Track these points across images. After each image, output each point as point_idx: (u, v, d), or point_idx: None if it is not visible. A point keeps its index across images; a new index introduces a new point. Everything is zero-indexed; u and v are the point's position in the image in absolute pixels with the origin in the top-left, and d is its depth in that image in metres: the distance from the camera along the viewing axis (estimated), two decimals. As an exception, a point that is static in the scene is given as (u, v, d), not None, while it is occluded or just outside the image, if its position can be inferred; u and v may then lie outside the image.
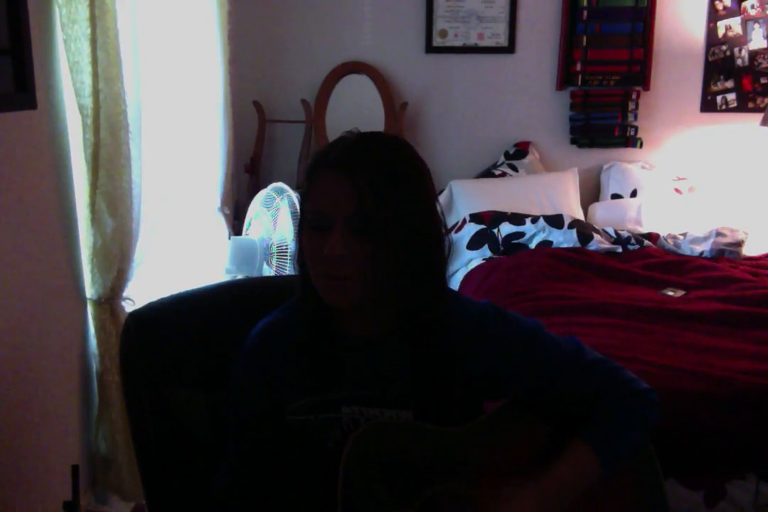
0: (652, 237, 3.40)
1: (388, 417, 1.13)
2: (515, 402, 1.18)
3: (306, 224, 1.08)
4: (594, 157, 3.83)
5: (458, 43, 3.72)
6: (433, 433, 1.10)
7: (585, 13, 3.62)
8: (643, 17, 3.61)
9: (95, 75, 1.84)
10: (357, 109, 3.69)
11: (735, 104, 3.75)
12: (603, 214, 3.59)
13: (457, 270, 3.29)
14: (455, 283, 3.15)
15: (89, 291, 2.05)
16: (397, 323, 1.11)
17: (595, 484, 1.13)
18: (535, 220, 3.34)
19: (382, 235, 1.02)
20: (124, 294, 2.11)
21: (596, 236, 3.27)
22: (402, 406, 1.13)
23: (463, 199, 3.57)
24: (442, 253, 1.10)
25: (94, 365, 2.10)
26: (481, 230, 3.35)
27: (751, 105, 3.74)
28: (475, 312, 1.14)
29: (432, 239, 1.08)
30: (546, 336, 1.16)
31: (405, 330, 1.11)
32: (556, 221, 3.32)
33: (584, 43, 3.65)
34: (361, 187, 1.01)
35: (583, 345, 1.18)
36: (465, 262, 3.30)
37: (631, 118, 3.71)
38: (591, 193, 3.83)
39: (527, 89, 3.79)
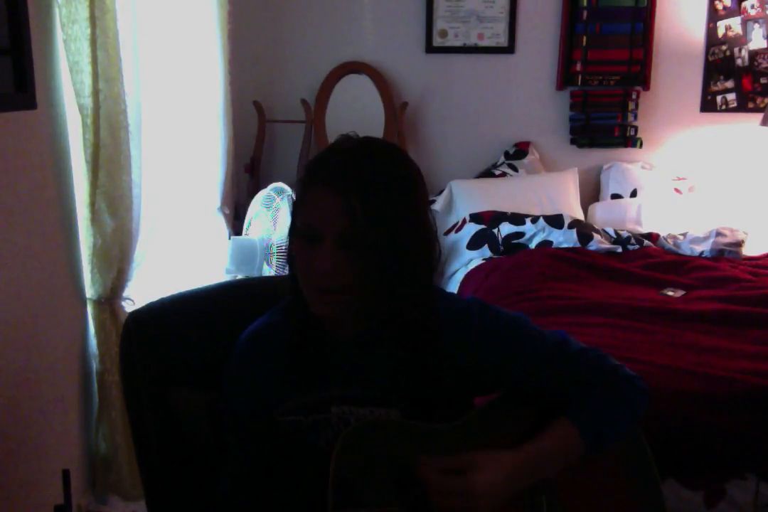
0: (652, 237, 3.40)
1: (377, 415, 1.14)
2: (505, 396, 1.19)
3: (297, 232, 1.08)
4: (594, 157, 3.83)
5: (458, 43, 3.72)
6: (423, 430, 1.11)
7: (585, 13, 3.62)
8: (643, 17, 3.61)
9: (95, 75, 1.85)
10: (357, 109, 3.69)
11: (735, 104, 3.74)
12: (603, 214, 3.59)
13: (457, 270, 3.30)
14: (455, 283, 3.15)
15: (89, 291, 2.05)
16: (384, 324, 1.12)
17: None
18: (535, 220, 3.34)
19: (373, 252, 1.03)
20: (124, 294, 2.11)
21: (596, 236, 3.27)
22: (391, 405, 1.13)
23: (463, 199, 3.57)
24: (430, 260, 1.10)
25: (94, 365, 2.10)
26: (481, 230, 3.35)
27: (751, 105, 3.73)
28: (460, 308, 1.15)
29: (421, 249, 1.08)
30: (531, 329, 1.17)
31: (392, 330, 1.11)
32: (556, 221, 3.32)
33: (584, 43, 3.64)
34: (354, 206, 1.01)
35: (569, 336, 1.19)
36: (465, 262, 3.30)
37: (630, 118, 3.71)
38: (591, 193, 3.82)
39: (527, 89, 3.79)
